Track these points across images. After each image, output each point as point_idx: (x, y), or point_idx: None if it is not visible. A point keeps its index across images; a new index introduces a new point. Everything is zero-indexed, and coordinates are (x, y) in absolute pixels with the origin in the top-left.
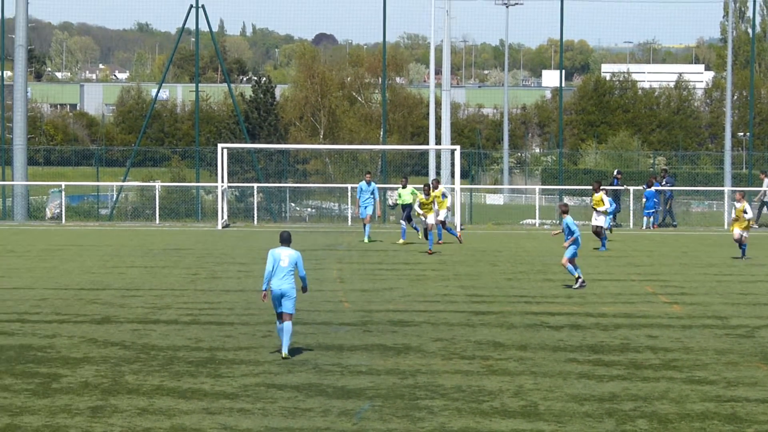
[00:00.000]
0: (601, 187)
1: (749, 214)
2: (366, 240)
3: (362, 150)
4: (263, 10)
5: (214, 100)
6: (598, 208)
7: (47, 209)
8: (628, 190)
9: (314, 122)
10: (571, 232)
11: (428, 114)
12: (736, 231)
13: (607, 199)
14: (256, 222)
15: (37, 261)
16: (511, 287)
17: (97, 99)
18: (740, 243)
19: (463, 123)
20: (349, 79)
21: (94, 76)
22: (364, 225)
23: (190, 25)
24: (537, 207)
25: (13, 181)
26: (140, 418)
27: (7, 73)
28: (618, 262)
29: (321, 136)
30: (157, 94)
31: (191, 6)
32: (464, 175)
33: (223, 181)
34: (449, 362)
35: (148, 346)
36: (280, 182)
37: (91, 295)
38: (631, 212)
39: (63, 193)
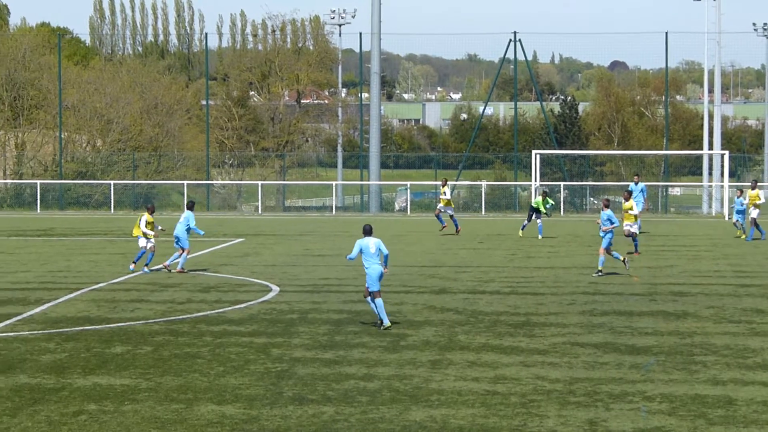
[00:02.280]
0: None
1: None
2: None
3: (649, 155)
4: (569, 42)
5: (529, 115)
6: (630, 211)
7: (396, 203)
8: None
9: (610, 132)
10: (611, 222)
11: (702, 125)
12: None
13: (636, 206)
14: (562, 213)
15: (388, 244)
16: None
17: (435, 115)
18: None
19: (731, 132)
20: (638, 97)
21: (433, 97)
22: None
23: (510, 55)
24: None
25: (369, 181)
26: (470, 370)
27: (365, 95)
28: None
29: (615, 144)
30: (483, 111)
31: (510, 40)
32: (731, 175)
33: (536, 181)
34: (719, 325)
35: (477, 311)
36: (582, 181)
37: (430, 270)
38: None
39: (408, 190)
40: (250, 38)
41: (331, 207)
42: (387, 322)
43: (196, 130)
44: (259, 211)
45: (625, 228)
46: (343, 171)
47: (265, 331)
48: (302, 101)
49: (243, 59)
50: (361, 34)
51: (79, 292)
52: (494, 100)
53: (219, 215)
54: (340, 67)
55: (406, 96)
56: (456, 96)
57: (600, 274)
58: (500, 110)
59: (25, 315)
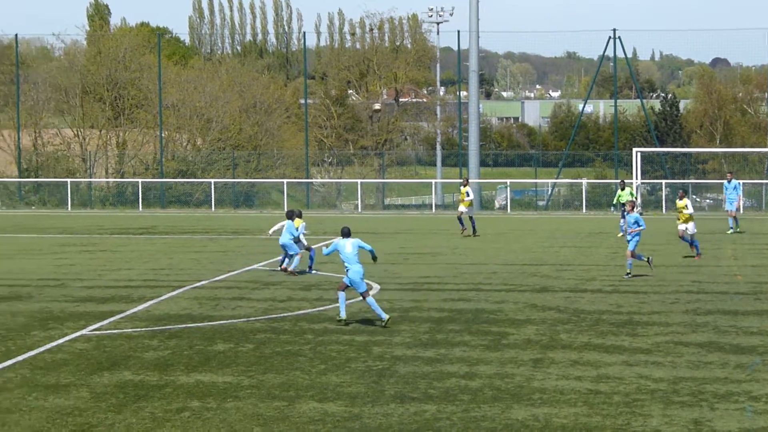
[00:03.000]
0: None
1: None
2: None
3: (752, 152)
4: (669, 39)
5: (629, 113)
6: (684, 210)
7: (495, 201)
8: None
9: (712, 130)
10: (638, 225)
11: None
12: None
13: (691, 205)
14: (664, 211)
15: (488, 242)
16: None
17: (534, 113)
18: None
19: None
20: (740, 94)
21: (532, 95)
22: (730, 217)
23: (609, 52)
24: None
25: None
26: (572, 369)
27: (463, 93)
28: None
29: (717, 141)
30: (583, 108)
31: (609, 37)
32: None
33: (637, 178)
34: None
35: (578, 310)
36: (683, 179)
37: (531, 269)
38: None
39: (508, 188)
40: (348, 37)
41: (431, 205)
42: (384, 317)
43: (294, 128)
44: (359, 210)
45: (679, 228)
46: (442, 169)
47: (365, 329)
48: (400, 99)
49: (341, 58)
50: (459, 32)
51: (181, 290)
52: (594, 97)
53: (319, 213)
54: (438, 66)
55: (504, 94)
56: (555, 94)
57: (629, 276)
58: (600, 108)
59: (128, 312)
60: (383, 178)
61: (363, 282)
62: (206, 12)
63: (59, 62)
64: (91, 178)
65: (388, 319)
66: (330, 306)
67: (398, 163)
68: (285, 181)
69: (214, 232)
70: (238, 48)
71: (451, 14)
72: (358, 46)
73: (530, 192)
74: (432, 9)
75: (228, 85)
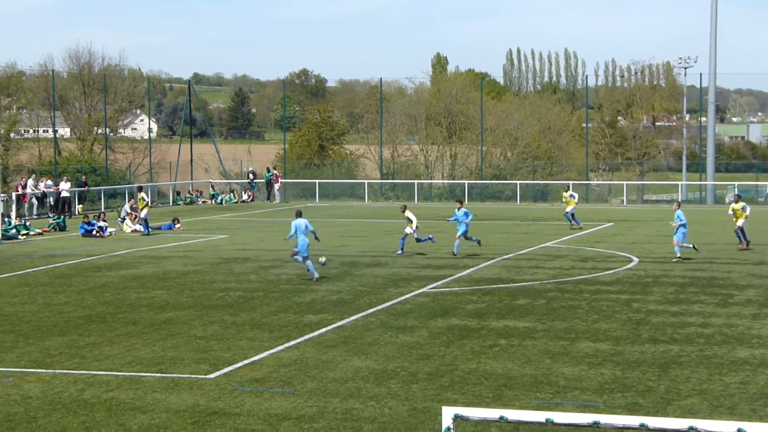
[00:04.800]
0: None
1: None
2: None
3: None
4: None
5: None
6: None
7: (726, 198)
8: None
9: None
10: (680, 220)
11: None
12: None
13: (748, 207)
14: None
15: (718, 226)
16: None
17: (757, 133)
18: None
19: None
20: None
21: (755, 120)
22: None
23: None
24: None
25: (706, 181)
26: None
27: (703, 119)
28: None
29: None
30: None
31: None
32: None
33: None
34: None
35: None
36: None
37: (751, 247)
38: None
39: (735, 188)
40: (619, 78)
41: (678, 200)
42: (316, 275)
43: (577, 144)
44: (624, 203)
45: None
46: (687, 174)
47: (627, 290)
48: (656, 123)
49: (613, 93)
50: (701, 74)
51: (493, 261)
52: None
53: (595, 206)
54: (684, 99)
55: (734, 119)
56: None
57: (678, 261)
58: None
59: (456, 276)
60: (642, 181)
61: (307, 251)
62: (515, 61)
63: (410, 98)
64: (431, 179)
65: (319, 278)
66: (600, 273)
67: (654, 170)
68: (569, 182)
69: (519, 219)
70: (538, 86)
71: (696, 61)
72: (625, 84)
73: (752, 191)
74: (681, 57)
75: (530, 114)
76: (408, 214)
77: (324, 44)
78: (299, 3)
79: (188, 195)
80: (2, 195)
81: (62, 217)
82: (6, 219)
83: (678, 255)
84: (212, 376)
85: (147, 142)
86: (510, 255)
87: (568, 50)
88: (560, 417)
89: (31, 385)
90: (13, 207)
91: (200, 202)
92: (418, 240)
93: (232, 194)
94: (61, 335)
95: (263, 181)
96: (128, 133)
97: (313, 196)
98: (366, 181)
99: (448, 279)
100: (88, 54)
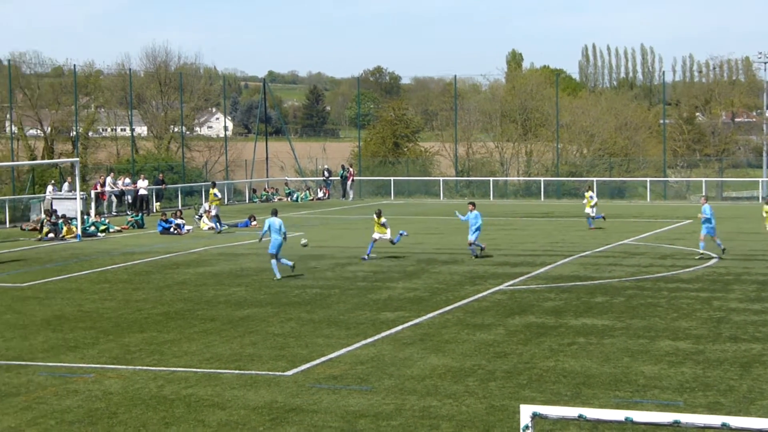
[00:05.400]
0: None
1: None
2: None
3: None
4: None
5: None
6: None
7: None
8: None
9: None
10: (704, 214)
11: None
12: None
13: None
14: None
15: None
16: None
17: None
18: None
19: None
20: None
21: None
22: None
23: None
24: None
25: None
26: None
27: None
28: None
29: None
30: None
31: None
32: None
33: None
34: None
35: None
36: None
37: None
38: None
39: None
40: (696, 74)
41: (757, 197)
42: (278, 276)
43: (655, 141)
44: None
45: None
46: (767, 170)
47: (707, 288)
48: (735, 119)
49: (691, 89)
50: None
51: (571, 258)
52: None
53: (673, 203)
54: (765, 94)
55: None
56: None
57: (701, 257)
58: None
59: (533, 273)
60: (722, 177)
61: (279, 249)
62: (591, 57)
63: (485, 95)
64: (506, 177)
65: (280, 279)
66: (679, 271)
67: (732, 166)
68: (648, 179)
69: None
70: (615, 83)
71: None
72: (704, 80)
73: None
74: (761, 52)
75: (606, 110)
76: (384, 220)
77: (398, 41)
78: (374, 0)
79: (264, 192)
80: (81, 193)
81: (140, 214)
82: (85, 217)
83: (701, 251)
84: (290, 373)
85: (223, 140)
86: (587, 252)
87: (645, 46)
88: (640, 416)
89: (111, 381)
90: (92, 205)
91: (276, 200)
92: (392, 242)
93: (307, 192)
94: (141, 332)
95: (338, 178)
96: (204, 131)
97: (388, 193)
98: (441, 179)
99: (525, 276)
100: (165, 53)
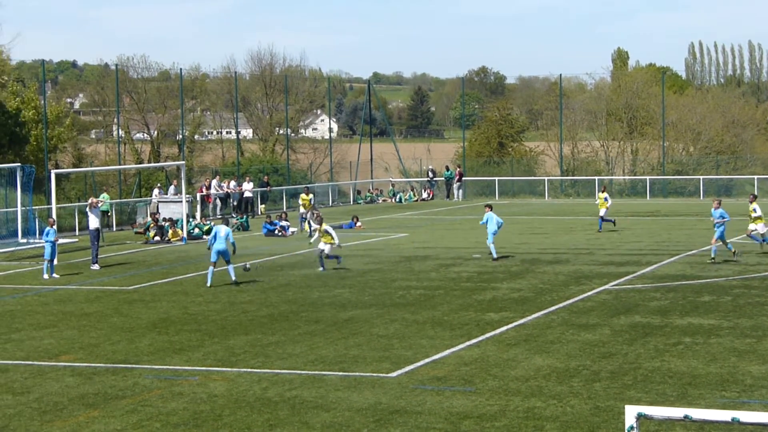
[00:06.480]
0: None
1: None
2: None
3: None
4: None
5: None
6: (752, 215)
7: None
8: None
9: None
10: (722, 217)
11: None
12: None
13: (759, 208)
14: None
15: None
16: None
17: None
18: None
19: None
20: None
21: None
22: None
23: None
24: None
25: None
26: None
27: None
28: None
29: None
30: None
31: None
32: None
33: None
34: None
35: None
36: None
37: None
38: None
39: None
40: None
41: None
42: (234, 278)
43: (763, 138)
44: None
45: (748, 228)
46: None
47: None
48: None
49: None
50: None
51: (677, 257)
52: None
53: None
54: None
55: None
56: None
57: (713, 261)
58: None
59: (638, 273)
60: None
61: (228, 253)
62: (698, 54)
63: (590, 93)
64: (612, 176)
65: (238, 283)
66: None
67: None
68: (756, 177)
69: (702, 215)
70: (722, 80)
71: None
72: None
73: None
74: None
75: (713, 108)
76: (326, 227)
77: (503, 41)
78: (479, 1)
79: (368, 194)
80: (187, 196)
81: (245, 216)
82: (190, 219)
83: (713, 256)
84: (394, 374)
85: (327, 142)
86: (694, 251)
87: (752, 42)
88: (747, 416)
89: (216, 384)
90: (198, 207)
91: (380, 201)
92: (328, 257)
93: (411, 192)
94: (245, 334)
95: (443, 179)
96: (309, 133)
97: (493, 193)
98: (546, 178)
99: (631, 276)
100: (270, 55)
